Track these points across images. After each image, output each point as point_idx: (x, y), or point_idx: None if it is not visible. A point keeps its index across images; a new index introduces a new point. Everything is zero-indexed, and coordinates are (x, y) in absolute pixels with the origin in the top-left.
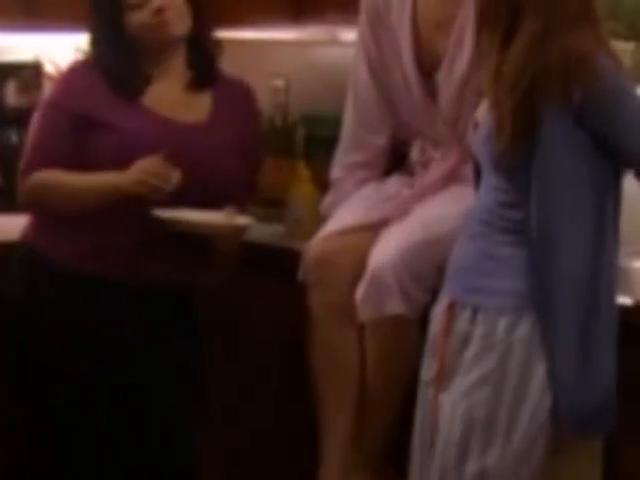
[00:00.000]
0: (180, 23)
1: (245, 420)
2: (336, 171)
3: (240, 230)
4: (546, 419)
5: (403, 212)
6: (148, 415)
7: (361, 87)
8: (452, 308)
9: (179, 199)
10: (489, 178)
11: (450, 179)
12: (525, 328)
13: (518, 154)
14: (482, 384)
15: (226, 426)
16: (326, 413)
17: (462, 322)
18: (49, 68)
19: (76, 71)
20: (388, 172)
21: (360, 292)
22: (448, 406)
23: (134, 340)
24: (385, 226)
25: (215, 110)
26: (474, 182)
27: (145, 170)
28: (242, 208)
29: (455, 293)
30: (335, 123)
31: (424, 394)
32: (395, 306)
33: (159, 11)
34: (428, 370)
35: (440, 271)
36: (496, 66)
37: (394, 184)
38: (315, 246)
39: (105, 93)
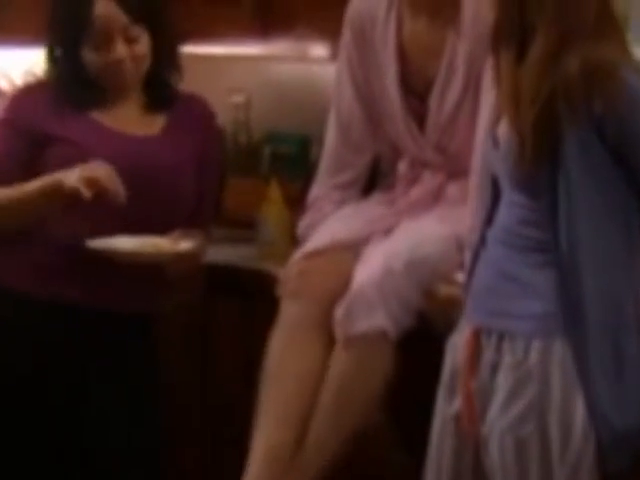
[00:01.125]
0: (138, 73)
1: (211, 447)
2: (316, 192)
3: (183, 256)
4: (592, 444)
5: (385, 231)
6: (99, 441)
7: (345, 106)
8: (477, 336)
9: (133, 216)
10: (510, 195)
11: (435, 198)
12: (560, 352)
13: (541, 172)
14: (527, 416)
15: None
16: (262, 418)
17: (489, 350)
18: (3, 84)
19: (27, 89)
20: (365, 189)
21: (341, 309)
22: (494, 441)
23: (84, 365)
24: (366, 245)
25: (168, 125)
26: (490, 200)
27: (94, 169)
28: (203, 229)
29: (478, 320)
30: (300, 141)
31: (448, 427)
32: (377, 320)
33: (117, 63)
34: (450, 403)
35: (425, 293)
36: (513, 83)
37: (374, 202)
38: (294, 264)
39: (57, 109)
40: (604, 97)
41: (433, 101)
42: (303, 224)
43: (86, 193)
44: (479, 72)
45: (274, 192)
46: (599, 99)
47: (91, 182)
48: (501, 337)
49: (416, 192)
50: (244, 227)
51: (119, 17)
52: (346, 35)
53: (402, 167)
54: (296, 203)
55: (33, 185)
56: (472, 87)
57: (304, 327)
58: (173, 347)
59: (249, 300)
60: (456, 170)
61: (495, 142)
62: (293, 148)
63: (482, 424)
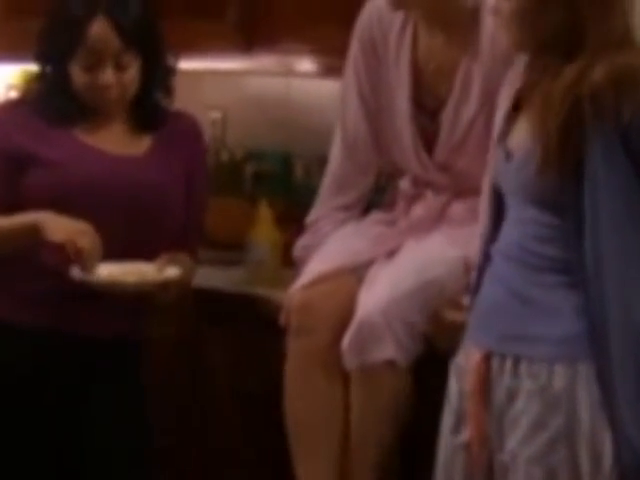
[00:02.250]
0: (124, 99)
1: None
2: (317, 212)
3: (169, 284)
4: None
5: (388, 253)
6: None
7: (351, 122)
8: (487, 360)
9: (119, 239)
10: (523, 211)
11: (438, 218)
12: (585, 377)
13: (564, 184)
14: (556, 444)
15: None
16: (304, 472)
17: (504, 375)
18: None
19: (6, 109)
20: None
21: (348, 338)
22: (519, 471)
23: (73, 393)
24: (369, 268)
25: (155, 145)
26: (494, 215)
27: (81, 239)
28: (191, 252)
29: (489, 343)
30: (283, 159)
31: (457, 457)
32: (386, 351)
33: (103, 88)
34: (457, 431)
35: (431, 317)
36: (547, 91)
37: (375, 221)
38: (297, 292)
39: (39, 127)
40: (632, 104)
41: (446, 120)
42: (300, 245)
43: (68, 249)
44: (494, 93)
45: (264, 212)
46: (627, 105)
47: (73, 247)
48: (517, 361)
49: (418, 212)
50: (228, 249)
51: (113, 41)
52: (355, 48)
53: (404, 185)
54: (279, 223)
55: (13, 221)
56: (486, 108)
57: (318, 365)
58: (161, 375)
59: (240, 325)
60: (460, 190)
61: (507, 155)
62: (276, 166)
63: (499, 452)
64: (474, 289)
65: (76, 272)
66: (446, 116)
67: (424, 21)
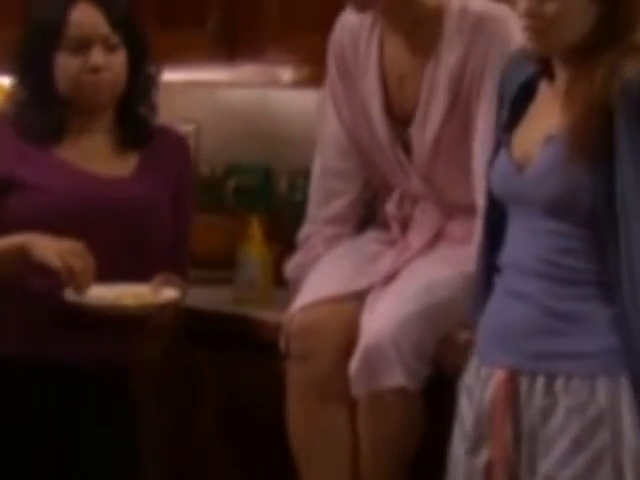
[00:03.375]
0: (112, 90)
1: None
2: (306, 229)
3: (167, 306)
4: None
5: (389, 276)
6: None
7: (331, 138)
8: (512, 379)
9: (109, 262)
10: (537, 222)
11: (436, 239)
12: (627, 390)
13: (594, 190)
14: (601, 462)
15: None
16: None
17: (536, 394)
18: None
19: None
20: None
21: (354, 365)
22: None
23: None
24: (370, 291)
25: (142, 164)
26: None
27: (73, 259)
28: (182, 272)
29: (516, 361)
30: (263, 173)
31: (474, 478)
32: (396, 378)
33: (94, 70)
34: (476, 453)
35: (442, 340)
36: (579, 94)
37: (372, 243)
38: (296, 315)
39: (18, 147)
40: None
41: (415, 129)
42: (293, 264)
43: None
44: (466, 99)
45: (254, 229)
46: None
47: (66, 267)
48: (551, 379)
49: (416, 237)
50: (211, 267)
51: (100, 23)
52: (330, 69)
53: (390, 207)
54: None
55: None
56: (457, 115)
57: (321, 391)
58: (147, 400)
59: (231, 347)
60: (448, 206)
61: (519, 167)
62: (256, 180)
63: (528, 475)
64: (476, 305)
65: (70, 294)
66: (415, 125)
67: (388, 26)
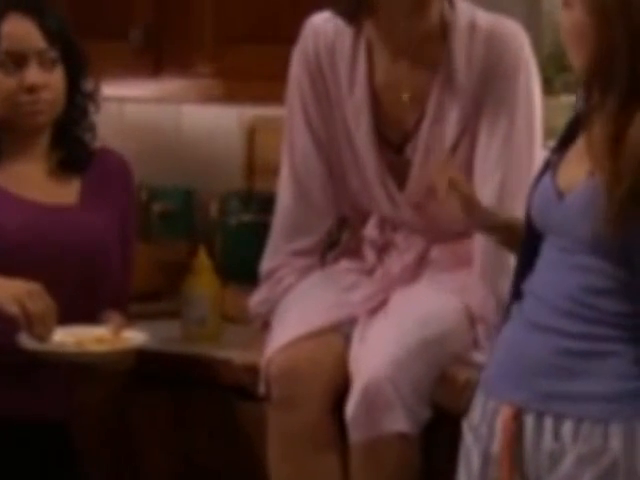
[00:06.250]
0: (51, 110)
1: None
2: (271, 262)
3: (133, 352)
4: None
5: (373, 307)
6: None
7: (302, 162)
8: (517, 418)
9: (61, 298)
10: (574, 257)
11: (419, 264)
12: None
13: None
14: None
15: None
16: None
17: (545, 436)
18: None
19: None
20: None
21: (351, 409)
22: None
23: None
24: (354, 324)
25: (85, 191)
26: (527, 259)
27: (38, 308)
28: (123, 308)
29: (524, 399)
30: (184, 197)
31: None
32: (397, 423)
33: (31, 89)
34: None
35: (442, 378)
36: (612, 133)
37: (346, 273)
38: (275, 356)
39: None
40: None
41: (417, 155)
42: (258, 299)
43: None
44: (475, 124)
45: (203, 261)
46: None
47: (24, 311)
48: (559, 421)
49: (396, 265)
50: (142, 300)
51: (34, 37)
52: (299, 77)
53: (370, 232)
54: (181, 268)
55: None
56: (467, 136)
57: (311, 439)
58: (92, 449)
59: (181, 389)
60: (436, 232)
61: (558, 193)
62: (177, 205)
63: None
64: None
65: (27, 342)
66: (416, 151)
67: (383, 45)
